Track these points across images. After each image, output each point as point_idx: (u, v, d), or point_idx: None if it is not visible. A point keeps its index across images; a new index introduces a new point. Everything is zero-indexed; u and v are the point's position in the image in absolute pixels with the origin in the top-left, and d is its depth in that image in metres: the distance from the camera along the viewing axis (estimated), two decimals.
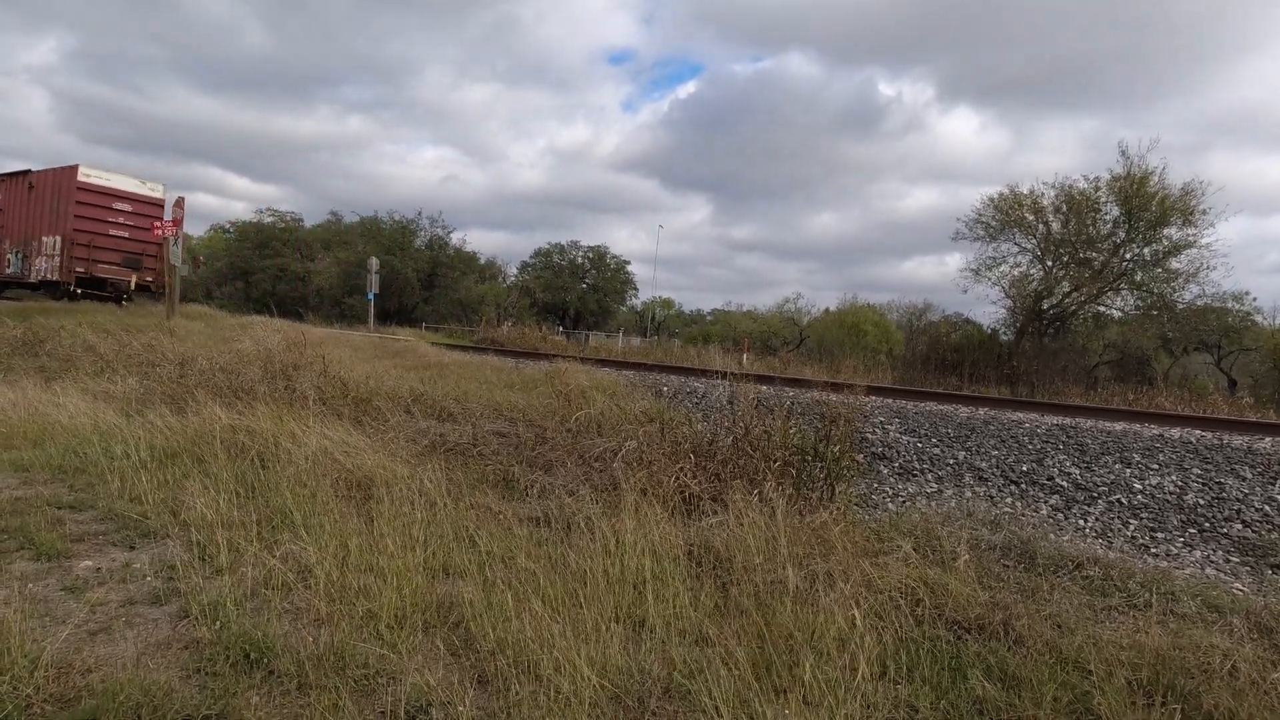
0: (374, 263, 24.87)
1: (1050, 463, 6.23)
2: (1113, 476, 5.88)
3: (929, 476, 6.25)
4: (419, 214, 42.11)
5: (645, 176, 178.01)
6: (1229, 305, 23.84)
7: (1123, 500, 5.55)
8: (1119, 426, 7.26)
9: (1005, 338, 23.44)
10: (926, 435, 7.07)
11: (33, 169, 20.22)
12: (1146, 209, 20.87)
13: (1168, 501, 5.47)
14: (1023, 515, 5.37)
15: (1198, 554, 4.83)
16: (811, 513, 4.47)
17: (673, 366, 12.78)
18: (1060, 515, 5.45)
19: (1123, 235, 21.77)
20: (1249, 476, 5.71)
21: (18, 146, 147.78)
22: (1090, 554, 4.41)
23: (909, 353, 24.25)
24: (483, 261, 46.42)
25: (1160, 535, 5.09)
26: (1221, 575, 4.51)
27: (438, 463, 5.22)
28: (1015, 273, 23.47)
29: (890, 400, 8.94)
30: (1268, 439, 6.63)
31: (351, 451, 5.13)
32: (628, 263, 49.14)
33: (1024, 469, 6.17)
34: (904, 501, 5.73)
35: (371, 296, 24.71)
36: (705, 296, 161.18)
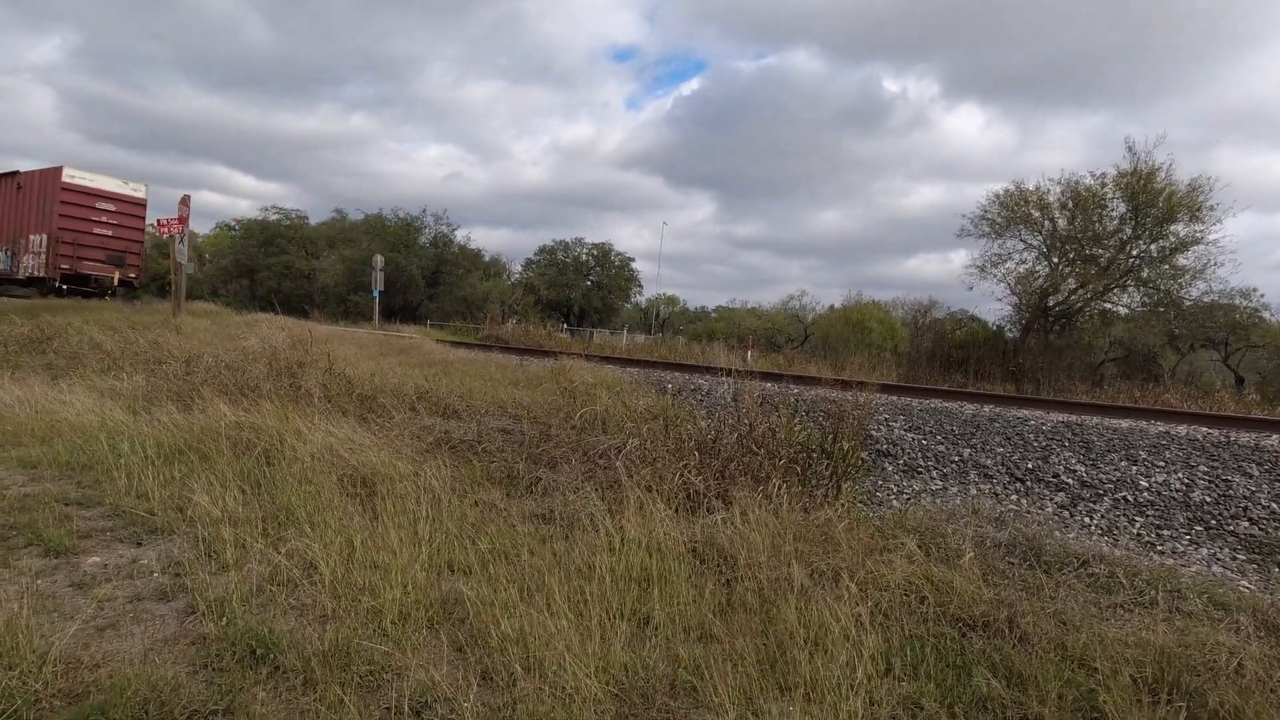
0: (379, 260, 24.91)
1: (1056, 460, 6.21)
2: (1119, 474, 5.86)
3: (934, 474, 6.23)
4: (423, 211, 42.14)
5: (649, 174, 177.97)
6: (1236, 302, 23.73)
7: (1129, 497, 5.53)
8: (1125, 424, 7.23)
9: (1010, 335, 23.36)
10: (931, 432, 7.05)
11: (20, 170, 21.05)
12: (1153, 205, 20.75)
13: (1174, 499, 5.45)
14: (1028, 513, 5.35)
15: (1204, 551, 4.81)
16: (816, 510, 4.47)
17: (677, 363, 12.78)
18: (1066, 512, 5.43)
19: (1129, 232, 21.65)
20: (1256, 474, 5.68)
21: (24, 145, 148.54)
22: (1096, 551, 4.40)
23: (914, 350, 24.18)
24: (487, 259, 46.47)
25: (1166, 533, 5.07)
26: (1228, 573, 4.49)
27: (442, 460, 5.23)
28: (1021, 269, 23.37)
29: (895, 397, 8.92)
30: (1275, 436, 6.60)
31: (356, 448, 5.14)
32: (632, 260, 49.16)
33: (1029, 466, 6.16)
34: (909, 499, 5.73)
35: (376, 294, 24.74)
36: (709, 294, 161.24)
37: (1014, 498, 5.71)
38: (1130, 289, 22.49)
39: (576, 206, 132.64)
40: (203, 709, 2.25)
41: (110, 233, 20.47)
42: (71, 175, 19.66)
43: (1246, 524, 5.06)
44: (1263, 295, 25.01)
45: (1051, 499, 5.65)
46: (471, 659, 2.70)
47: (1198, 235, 20.55)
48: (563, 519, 4.29)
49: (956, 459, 6.43)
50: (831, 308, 42.13)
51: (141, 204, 21.36)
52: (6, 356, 9.91)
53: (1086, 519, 5.31)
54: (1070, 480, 5.86)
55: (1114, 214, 21.94)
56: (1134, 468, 5.95)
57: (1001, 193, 23.35)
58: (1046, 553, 4.29)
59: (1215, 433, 6.79)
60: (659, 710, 2.48)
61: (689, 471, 4.96)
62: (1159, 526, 5.16)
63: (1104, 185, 21.69)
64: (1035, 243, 23.24)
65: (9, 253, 20.68)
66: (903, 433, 7.09)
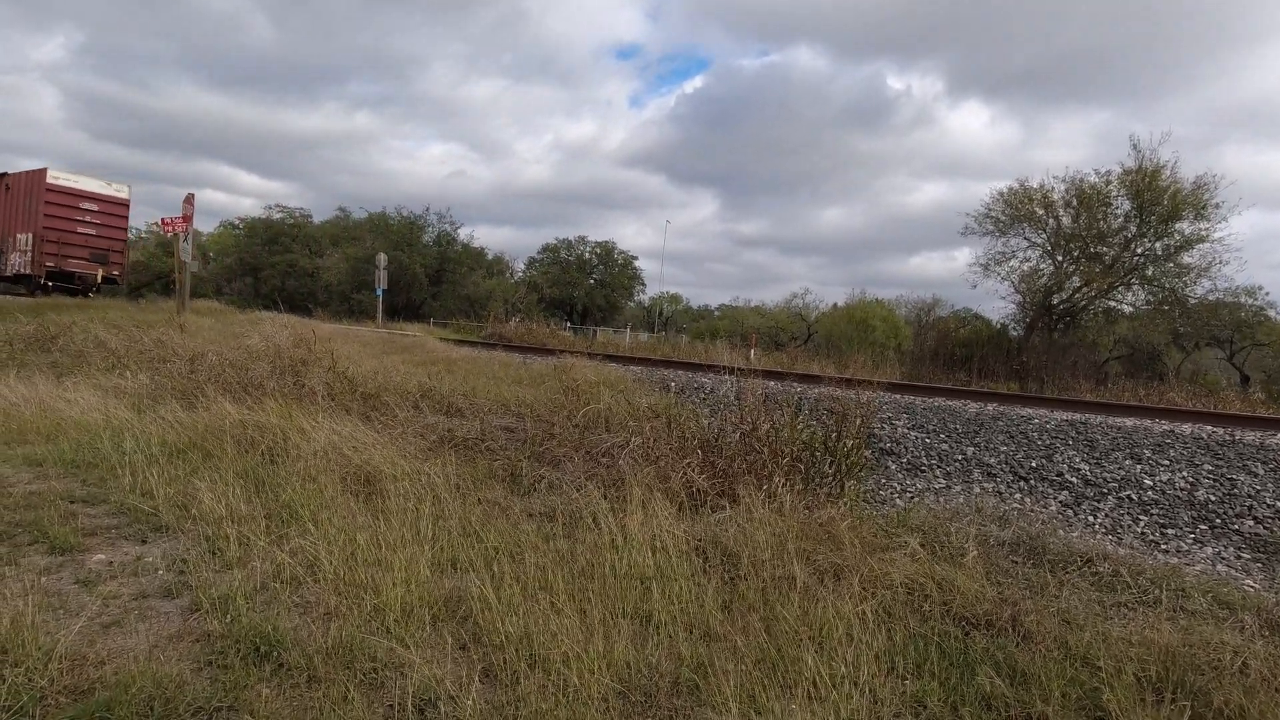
0: (382, 259, 24.92)
1: (1060, 458, 6.20)
2: (1123, 472, 5.85)
3: (937, 472, 6.23)
4: (427, 210, 42.20)
5: (652, 172, 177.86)
6: (1241, 300, 23.60)
7: (1133, 496, 5.51)
8: (1129, 422, 7.21)
9: (1014, 333, 23.32)
10: (935, 431, 7.04)
11: (7, 172, 21.94)
12: (1158, 203, 20.67)
13: (1178, 498, 5.43)
14: (1031, 511, 5.34)
15: (1209, 550, 4.80)
16: (820, 508, 4.46)
17: (680, 362, 12.77)
18: (1069, 511, 5.42)
19: (1134, 230, 21.58)
20: (1261, 473, 5.67)
21: (30, 143, 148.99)
22: (1100, 550, 4.39)
23: (917, 348, 24.15)
24: (490, 257, 46.47)
25: (1171, 531, 5.06)
26: (1233, 572, 4.48)
27: (445, 458, 5.24)
28: (1025, 268, 23.31)
29: (899, 396, 8.90)
30: None
31: (360, 447, 5.15)
32: (635, 258, 49.14)
33: (1033, 465, 6.14)
34: (912, 497, 5.72)
35: (380, 292, 24.76)
36: (712, 292, 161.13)
37: (1018, 496, 5.70)
38: (1135, 287, 22.42)
39: (579, 205, 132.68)
40: (207, 706, 2.26)
41: (94, 231, 21.34)
42: (56, 176, 20.55)
43: (1251, 523, 5.04)
44: (1268, 293, 24.89)
45: (1055, 497, 5.64)
46: (475, 656, 2.71)
47: (1203, 233, 20.49)
48: (566, 517, 4.29)
49: (960, 457, 6.42)
50: (835, 306, 42.12)
51: (124, 204, 22.29)
52: (12, 355, 9.95)
53: (1090, 517, 5.30)
54: (1074, 479, 5.85)
55: (1118, 212, 21.88)
56: (1138, 466, 5.94)
57: (1005, 191, 23.30)
58: (1050, 551, 4.28)
59: (1220, 431, 6.77)
60: (662, 708, 2.48)
61: (692, 470, 4.95)
62: (1163, 525, 5.14)
63: (1108, 183, 21.63)
64: (1039, 241, 23.19)
65: None
66: (906, 431, 7.08)
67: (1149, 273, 21.81)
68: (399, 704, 2.35)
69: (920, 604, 3.41)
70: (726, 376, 8.95)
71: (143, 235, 48.25)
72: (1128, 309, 23.07)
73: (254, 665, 2.51)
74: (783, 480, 4.73)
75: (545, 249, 48.57)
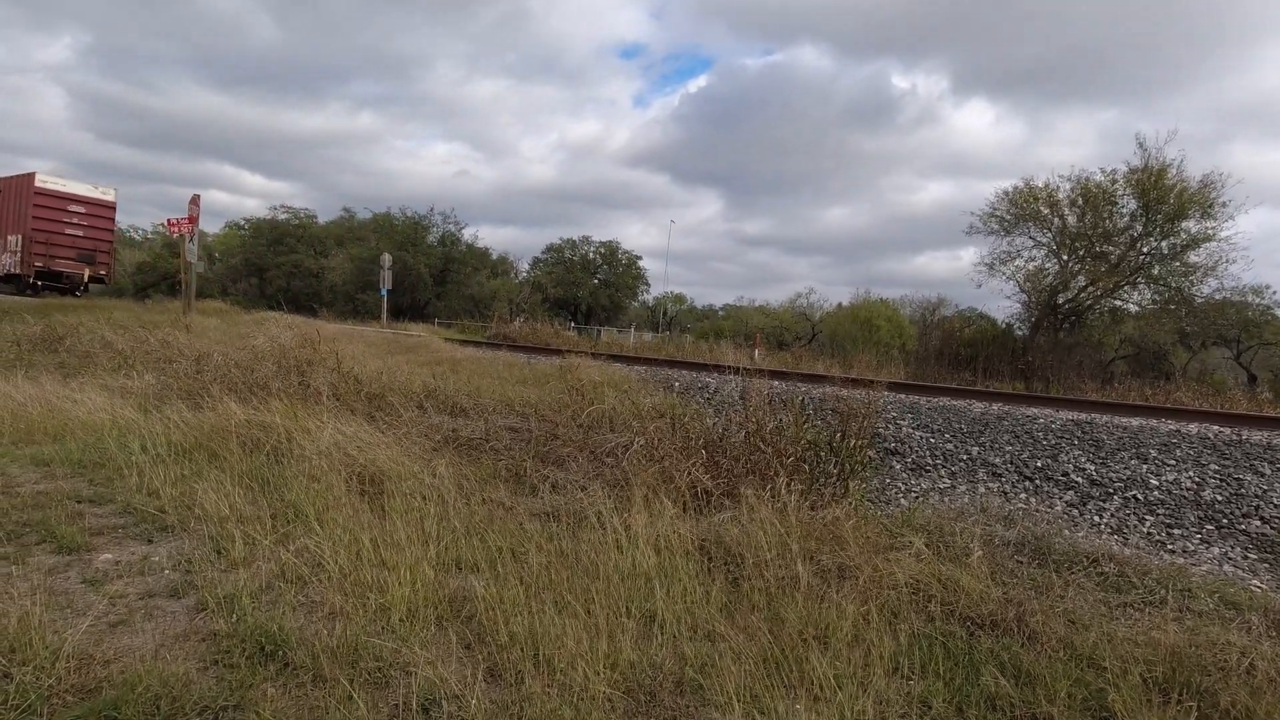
0: (387, 259, 25.01)
1: (1065, 458, 6.18)
2: (1129, 472, 5.83)
3: (942, 472, 6.21)
4: (431, 210, 42.24)
5: (656, 171, 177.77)
6: (1248, 299, 23.46)
7: (1139, 496, 5.49)
8: (1135, 422, 7.19)
9: (1020, 333, 23.22)
10: (940, 431, 7.03)
11: None
12: (1164, 202, 20.56)
13: (1185, 498, 5.41)
14: (1037, 511, 5.33)
15: (1215, 551, 4.78)
16: (824, 508, 4.46)
17: (684, 361, 12.77)
18: (1075, 511, 5.41)
19: (1140, 229, 21.47)
20: (1268, 472, 5.64)
21: (35, 144, 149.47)
22: (1105, 550, 4.37)
23: (922, 348, 24.07)
24: (494, 257, 46.54)
25: (1177, 531, 5.04)
26: (1239, 572, 4.46)
27: (450, 458, 5.25)
28: (1030, 267, 23.21)
29: (903, 395, 8.89)
30: None
31: (364, 447, 5.16)
32: (639, 258, 49.10)
33: (1038, 465, 6.13)
34: (917, 497, 5.71)
35: (385, 292, 24.84)
36: (717, 292, 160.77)
37: (1023, 496, 5.69)
38: (1141, 286, 22.31)
39: (583, 204, 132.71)
40: (213, 705, 2.27)
41: (81, 233, 22.58)
42: (44, 180, 21.90)
43: (1258, 523, 5.02)
44: (1275, 292, 24.73)
45: (1061, 497, 5.62)
46: (479, 656, 2.72)
47: (1209, 232, 20.36)
48: (570, 517, 4.29)
49: (965, 457, 6.41)
50: (839, 306, 42.07)
51: (110, 206, 23.61)
52: (20, 355, 10.00)
53: (1096, 517, 5.29)
54: (1080, 479, 5.83)
55: (1124, 211, 21.78)
56: (1144, 466, 5.91)
57: (1011, 190, 23.20)
58: (1055, 551, 4.27)
59: (1227, 431, 6.74)
60: (666, 708, 2.48)
61: (696, 469, 4.95)
62: (1169, 525, 5.12)
63: (1114, 182, 21.52)
64: (1044, 240, 23.09)
65: None
66: (911, 431, 7.06)
67: (1155, 272, 21.71)
68: (404, 703, 2.36)
69: (925, 604, 3.40)
70: (731, 376, 8.94)
71: (149, 236, 48.43)
72: (1133, 308, 22.97)
73: (259, 664, 2.52)
74: (787, 480, 4.73)
75: (549, 249, 48.63)
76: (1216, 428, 6.93)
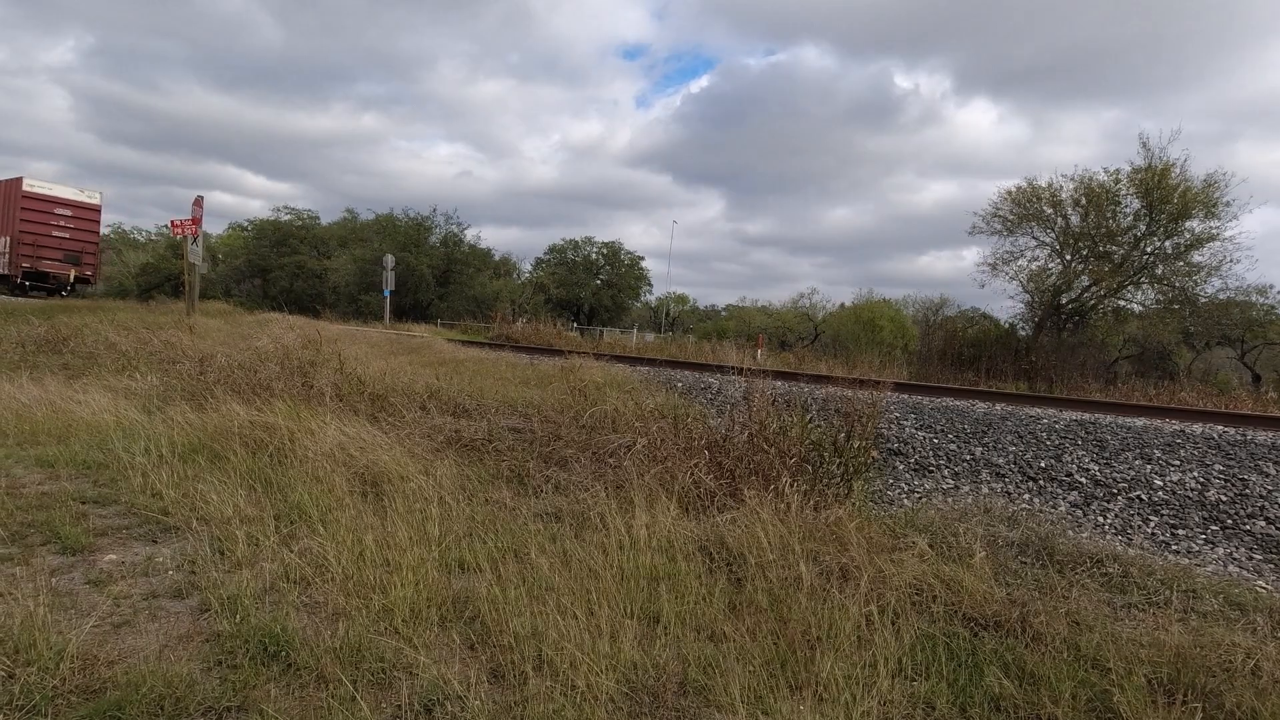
0: (390, 260, 25.06)
1: (1069, 459, 6.16)
2: (1133, 473, 5.81)
3: (945, 472, 6.20)
4: (434, 210, 42.33)
5: (658, 171, 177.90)
6: (1253, 299, 23.36)
7: (1143, 497, 5.48)
8: (1139, 422, 7.17)
9: (1023, 332, 23.17)
10: (943, 431, 7.02)
11: None
12: (1168, 201, 20.51)
13: (1189, 498, 5.40)
14: (1040, 512, 5.32)
15: (1220, 551, 4.76)
16: (827, 508, 4.45)
17: (687, 362, 12.76)
18: (1079, 512, 5.39)
19: (1143, 228, 21.42)
20: (1273, 473, 5.62)
21: (40, 146, 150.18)
22: (1109, 551, 4.36)
23: (925, 348, 24.03)
24: (497, 258, 46.56)
25: (1181, 532, 5.03)
26: (1244, 573, 4.44)
27: (453, 458, 5.26)
28: (1033, 267, 23.15)
29: (906, 396, 8.87)
30: None
31: (367, 447, 5.17)
32: (641, 258, 49.15)
33: (1042, 465, 6.11)
34: (920, 498, 5.70)
35: (388, 293, 24.91)
36: (719, 292, 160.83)
37: (1026, 496, 5.68)
38: (1144, 286, 22.25)
39: (586, 204, 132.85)
40: (216, 705, 2.28)
41: (67, 235, 23.51)
42: (31, 184, 22.86)
43: (1263, 523, 5.00)
44: (1279, 292, 24.71)
45: (1065, 498, 5.61)
46: (482, 657, 2.72)
47: (1213, 231, 20.32)
48: (573, 518, 4.29)
49: (968, 457, 6.40)
50: (842, 306, 42.05)
51: (96, 209, 24.48)
52: (24, 357, 10.03)
53: (1100, 518, 5.27)
54: (1084, 479, 5.82)
55: (1128, 210, 21.73)
56: (1148, 466, 5.90)
57: (1014, 189, 23.15)
58: (1059, 552, 4.25)
59: (1231, 431, 6.71)
60: (669, 709, 2.48)
61: (699, 470, 4.95)
62: (1174, 526, 5.11)
63: (1118, 181, 21.47)
64: (1048, 240, 23.05)
65: None
66: (914, 431, 7.05)
67: (1158, 271, 21.65)
68: (407, 704, 2.36)
69: (928, 605, 3.39)
70: (734, 377, 8.94)
71: (153, 238, 48.54)
72: (1137, 308, 22.92)
73: (263, 665, 2.53)
74: (790, 480, 4.72)
75: (552, 249, 48.70)
76: (1221, 428, 6.90)
